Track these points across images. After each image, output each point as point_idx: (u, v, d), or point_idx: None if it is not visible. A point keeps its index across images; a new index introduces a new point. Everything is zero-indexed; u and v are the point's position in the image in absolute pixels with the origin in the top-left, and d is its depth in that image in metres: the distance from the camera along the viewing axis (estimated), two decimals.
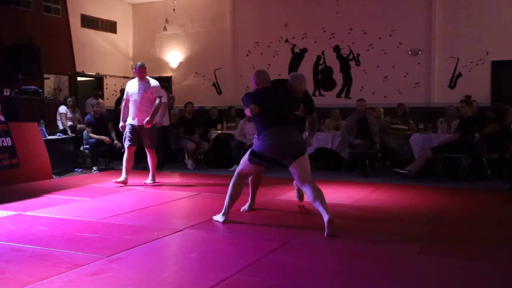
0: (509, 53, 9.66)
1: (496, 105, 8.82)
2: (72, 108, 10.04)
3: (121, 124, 7.38)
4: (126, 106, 7.32)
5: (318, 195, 4.36)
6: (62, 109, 9.88)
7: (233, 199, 4.84)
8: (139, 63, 7.40)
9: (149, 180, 7.40)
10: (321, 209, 4.30)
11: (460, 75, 10.08)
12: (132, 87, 7.26)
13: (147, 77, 7.31)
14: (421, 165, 8.02)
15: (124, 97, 7.37)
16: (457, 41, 10.04)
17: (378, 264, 3.58)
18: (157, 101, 7.23)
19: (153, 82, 7.32)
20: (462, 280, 3.25)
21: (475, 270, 3.46)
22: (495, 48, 9.75)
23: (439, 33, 10.18)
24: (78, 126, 9.88)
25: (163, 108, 9.46)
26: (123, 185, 7.12)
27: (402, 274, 3.38)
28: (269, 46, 11.66)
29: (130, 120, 7.26)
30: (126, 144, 7.27)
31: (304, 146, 4.73)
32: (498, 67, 9.80)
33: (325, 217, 4.24)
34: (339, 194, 6.52)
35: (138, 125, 7.20)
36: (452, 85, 10.16)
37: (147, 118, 7.09)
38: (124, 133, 7.33)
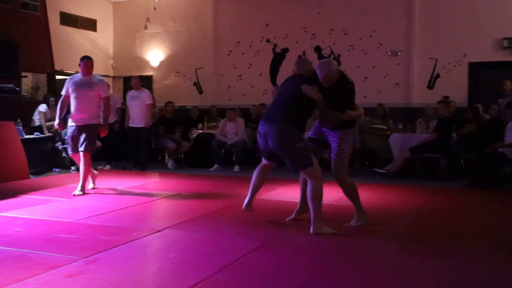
0: (485, 55, 9.82)
1: (473, 106, 8.97)
2: (53, 107, 9.88)
3: (57, 121, 6.57)
4: (65, 104, 6.52)
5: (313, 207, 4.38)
6: (42, 107, 9.73)
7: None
8: (85, 56, 6.66)
9: (77, 191, 6.33)
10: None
11: (438, 76, 10.21)
12: (76, 83, 6.44)
13: (94, 73, 6.64)
14: (400, 165, 8.09)
15: (63, 93, 6.53)
16: (436, 43, 10.17)
17: (357, 263, 3.61)
18: (107, 102, 6.65)
19: (101, 80, 6.73)
20: (439, 279, 3.29)
21: (452, 268, 3.51)
22: (472, 50, 9.90)
23: (418, 34, 10.29)
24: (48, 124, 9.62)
25: (149, 109, 9.45)
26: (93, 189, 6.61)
27: (380, 273, 3.41)
28: (250, 46, 11.66)
29: (72, 121, 6.45)
30: (72, 151, 6.52)
31: (278, 141, 4.37)
32: (475, 68, 9.96)
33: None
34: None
35: (79, 125, 6.40)
36: (430, 86, 10.29)
37: (102, 126, 6.53)
38: (66, 137, 6.63)
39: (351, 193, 4.67)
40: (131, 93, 9.56)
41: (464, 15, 9.94)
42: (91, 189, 6.65)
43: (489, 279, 3.30)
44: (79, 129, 6.39)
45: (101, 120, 6.77)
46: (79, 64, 6.54)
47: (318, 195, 4.31)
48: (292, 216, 4.86)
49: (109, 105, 6.77)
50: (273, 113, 4.49)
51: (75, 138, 6.43)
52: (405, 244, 4.13)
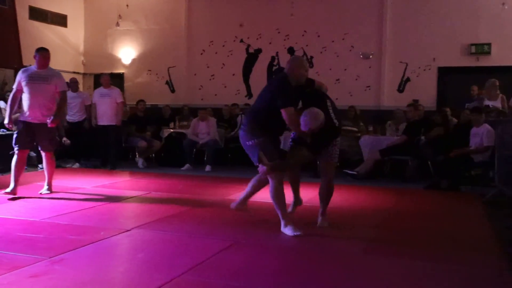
0: (454, 60, 10.03)
1: (441, 110, 9.15)
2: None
3: (6, 120, 6.01)
4: (17, 99, 6.02)
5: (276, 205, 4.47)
6: (2, 104, 9.50)
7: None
8: (42, 47, 6.25)
9: (44, 189, 6.16)
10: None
11: (408, 79, 10.38)
12: (30, 76, 5.99)
13: (50, 66, 6.23)
14: (369, 167, 8.20)
15: (15, 87, 6.05)
16: (406, 47, 10.34)
17: (325, 263, 3.64)
18: (64, 96, 6.21)
19: (58, 73, 6.36)
20: (405, 278, 3.35)
21: (419, 268, 3.57)
22: (442, 55, 10.10)
23: (389, 38, 10.45)
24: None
25: (121, 107, 9.36)
26: (12, 196, 5.80)
27: (347, 273, 3.45)
28: (223, 46, 11.63)
29: (25, 117, 5.96)
30: (17, 147, 5.94)
31: (243, 140, 4.51)
32: (444, 73, 10.16)
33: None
34: (289, 194, 6.57)
35: (35, 123, 5.93)
36: (400, 89, 10.45)
37: (52, 117, 5.92)
38: (15, 132, 6.09)
39: (329, 196, 4.72)
40: (100, 91, 9.43)
41: (434, 20, 10.13)
42: (7, 193, 5.90)
43: (450, 277, 3.37)
44: (34, 127, 5.93)
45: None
46: (35, 56, 6.13)
47: (275, 195, 4.39)
48: (289, 209, 4.89)
49: (65, 99, 6.40)
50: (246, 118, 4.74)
51: (25, 135, 5.93)
52: (373, 244, 4.19)
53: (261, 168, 4.38)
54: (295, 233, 4.30)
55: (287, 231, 4.35)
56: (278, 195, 4.40)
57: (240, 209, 4.87)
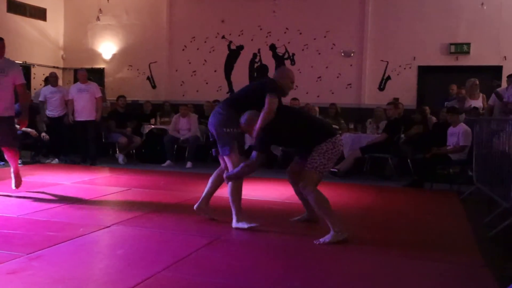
0: (434, 59, 10.17)
1: (421, 108, 9.27)
2: None
3: None
4: None
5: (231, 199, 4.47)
6: None
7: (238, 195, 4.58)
8: None
9: (14, 183, 5.90)
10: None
11: (389, 78, 10.49)
12: None
13: (6, 57, 5.91)
14: (350, 164, 8.27)
15: None
16: (387, 46, 10.44)
17: (303, 259, 3.67)
18: (23, 90, 5.93)
19: (15, 64, 6.02)
20: (383, 275, 3.39)
21: (397, 265, 3.62)
22: (422, 54, 10.23)
23: (371, 37, 10.53)
24: None
25: (100, 102, 9.27)
26: None
27: (327, 270, 3.48)
28: (205, 42, 11.60)
29: None
30: None
31: (214, 119, 4.50)
32: (424, 71, 10.29)
33: None
34: (271, 191, 6.61)
35: None
36: (381, 87, 10.55)
37: (21, 117, 5.79)
38: None
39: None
40: (78, 86, 9.30)
41: (415, 20, 10.24)
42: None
43: (427, 273, 3.43)
44: None
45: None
46: None
47: (235, 191, 4.41)
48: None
49: (25, 93, 6.14)
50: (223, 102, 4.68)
51: None
52: (352, 241, 4.22)
53: (228, 160, 4.40)
54: (251, 225, 4.35)
55: (241, 225, 4.38)
56: (238, 191, 4.42)
57: (202, 209, 4.77)
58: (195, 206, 4.80)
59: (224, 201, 5.78)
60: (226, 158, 4.44)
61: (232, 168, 4.38)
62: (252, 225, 4.36)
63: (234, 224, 4.44)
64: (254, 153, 4.31)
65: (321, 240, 4.06)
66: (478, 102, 8.38)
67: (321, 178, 4.27)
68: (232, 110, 4.46)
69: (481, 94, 8.52)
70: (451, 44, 10.00)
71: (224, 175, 4.48)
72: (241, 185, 4.46)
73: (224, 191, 6.00)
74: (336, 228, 4.11)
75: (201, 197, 4.82)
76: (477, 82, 8.44)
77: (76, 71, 12.11)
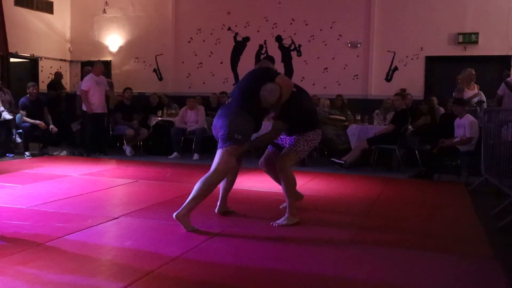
0: (441, 49, 10.08)
1: (428, 99, 9.21)
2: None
3: None
4: None
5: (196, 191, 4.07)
6: None
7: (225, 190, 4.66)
8: None
9: None
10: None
11: (396, 68, 10.42)
12: None
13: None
14: (357, 156, 8.24)
15: None
16: (394, 36, 10.37)
17: (312, 252, 3.67)
18: None
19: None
20: (392, 267, 3.39)
21: (405, 257, 3.62)
22: (429, 44, 10.15)
23: (377, 27, 10.46)
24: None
25: (107, 95, 9.46)
26: None
27: (335, 261, 3.48)
28: (211, 34, 11.57)
29: None
30: None
31: (225, 131, 4.11)
32: (431, 62, 10.21)
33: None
34: (275, 183, 6.60)
35: None
36: (388, 78, 10.49)
37: None
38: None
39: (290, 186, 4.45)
40: (95, 78, 9.31)
41: (422, 10, 10.16)
42: None
43: (435, 265, 3.42)
44: None
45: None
46: None
47: (207, 185, 4.09)
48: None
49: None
50: (233, 102, 4.35)
51: None
52: (360, 232, 4.22)
53: (224, 153, 4.11)
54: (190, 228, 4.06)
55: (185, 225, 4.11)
56: (209, 190, 4.16)
57: (224, 210, 4.72)
58: (216, 210, 4.67)
59: (230, 192, 5.80)
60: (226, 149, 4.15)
61: (218, 160, 4.12)
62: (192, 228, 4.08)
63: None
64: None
65: (278, 222, 4.32)
66: (472, 93, 8.26)
67: (296, 162, 4.57)
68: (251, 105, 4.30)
69: (476, 85, 8.42)
70: (459, 34, 9.91)
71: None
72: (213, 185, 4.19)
73: None
74: (294, 211, 4.39)
75: (219, 199, 4.68)
76: (474, 72, 8.34)
77: (83, 64, 12.17)
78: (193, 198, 4.07)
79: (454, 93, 8.73)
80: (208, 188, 4.09)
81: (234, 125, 4.10)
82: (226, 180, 4.55)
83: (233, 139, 4.08)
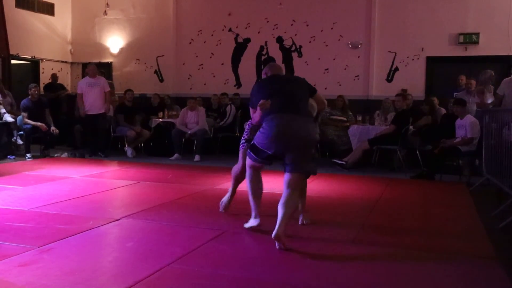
0: (442, 49, 10.08)
1: (428, 99, 9.20)
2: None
3: None
4: None
5: (289, 206, 3.76)
6: None
7: (256, 196, 4.13)
8: None
9: None
10: (279, 218, 3.71)
11: (397, 69, 10.42)
12: None
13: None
14: (358, 156, 8.24)
15: None
16: (395, 37, 10.37)
17: (314, 252, 3.66)
18: None
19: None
20: (394, 267, 3.39)
21: (406, 257, 3.61)
22: (430, 45, 10.15)
23: (378, 28, 10.46)
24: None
25: (109, 96, 9.43)
26: None
27: (336, 262, 3.48)
28: (212, 35, 11.58)
29: None
30: None
31: (311, 141, 3.93)
32: (432, 62, 10.21)
33: (275, 231, 3.64)
34: (279, 183, 6.59)
35: None
36: (389, 78, 10.49)
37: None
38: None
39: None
40: (87, 81, 9.43)
41: (422, 10, 10.16)
42: None
43: (437, 265, 3.42)
44: None
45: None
46: None
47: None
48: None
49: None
50: (298, 108, 3.95)
51: None
52: (361, 233, 4.22)
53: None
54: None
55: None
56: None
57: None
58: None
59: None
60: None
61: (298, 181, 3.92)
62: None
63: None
64: None
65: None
66: (491, 98, 8.13)
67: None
68: None
69: (492, 87, 8.38)
70: (460, 34, 9.91)
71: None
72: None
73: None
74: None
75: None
76: (494, 74, 8.29)
77: (84, 65, 12.18)
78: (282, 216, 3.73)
79: (455, 94, 8.71)
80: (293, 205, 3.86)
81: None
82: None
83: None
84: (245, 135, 4.55)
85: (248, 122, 4.56)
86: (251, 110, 4.12)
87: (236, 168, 4.67)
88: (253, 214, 4.16)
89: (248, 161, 4.07)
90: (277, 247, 3.65)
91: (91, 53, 12.43)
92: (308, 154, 3.96)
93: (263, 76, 4.38)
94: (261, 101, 3.86)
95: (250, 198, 4.15)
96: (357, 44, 10.63)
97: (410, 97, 9.20)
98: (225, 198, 4.86)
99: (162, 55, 11.97)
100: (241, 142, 4.57)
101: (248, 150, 4.05)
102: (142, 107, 10.70)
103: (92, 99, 9.29)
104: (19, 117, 9.19)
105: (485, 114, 7.03)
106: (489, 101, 7.90)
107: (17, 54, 11.30)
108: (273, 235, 3.62)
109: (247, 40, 11.38)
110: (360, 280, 3.12)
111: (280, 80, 4.20)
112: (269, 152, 3.84)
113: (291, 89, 4.03)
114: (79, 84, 9.57)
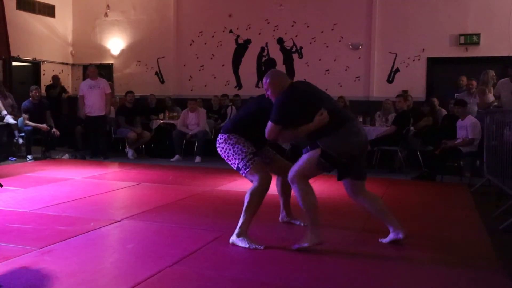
0: (443, 50, 10.07)
1: (429, 100, 9.20)
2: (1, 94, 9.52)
3: None
4: None
5: (381, 209, 3.91)
6: None
7: (314, 208, 3.72)
8: None
9: None
10: (389, 226, 3.90)
11: (397, 70, 10.42)
12: None
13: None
14: None
15: None
16: (396, 38, 10.36)
17: (315, 253, 3.66)
18: None
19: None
20: (395, 269, 3.38)
21: (408, 258, 3.61)
22: (431, 45, 10.14)
23: (379, 29, 10.46)
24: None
25: (109, 98, 9.46)
26: None
27: (338, 263, 3.47)
28: (213, 36, 11.59)
29: None
30: None
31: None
32: (433, 63, 10.20)
33: (399, 234, 3.85)
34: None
35: None
36: (390, 79, 10.49)
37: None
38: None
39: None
40: (88, 82, 9.46)
41: (423, 11, 10.15)
42: None
43: (439, 266, 3.42)
44: None
45: None
46: None
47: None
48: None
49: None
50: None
51: None
52: (362, 234, 4.22)
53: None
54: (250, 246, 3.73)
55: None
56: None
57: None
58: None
59: (233, 194, 5.80)
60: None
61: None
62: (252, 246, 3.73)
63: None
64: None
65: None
66: (492, 98, 8.12)
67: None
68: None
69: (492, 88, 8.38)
70: (461, 35, 9.90)
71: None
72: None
73: (234, 185, 6.00)
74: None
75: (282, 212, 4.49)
76: (494, 74, 8.30)
77: (85, 67, 12.19)
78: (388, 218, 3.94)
79: (456, 95, 8.70)
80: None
81: None
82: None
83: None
84: (238, 156, 3.91)
85: (223, 145, 4.05)
86: (273, 126, 3.69)
87: (258, 189, 3.83)
88: (315, 229, 3.70)
89: (310, 170, 3.71)
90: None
91: (91, 55, 12.43)
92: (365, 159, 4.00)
93: (267, 85, 3.81)
94: (320, 112, 3.58)
95: (311, 212, 3.70)
96: (358, 45, 10.62)
97: (411, 98, 9.20)
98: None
99: (163, 57, 11.97)
100: (242, 164, 3.89)
101: (318, 157, 3.61)
102: (143, 108, 10.70)
103: (93, 101, 9.31)
104: (20, 119, 9.20)
105: (486, 115, 7.02)
106: (491, 100, 7.90)
107: (18, 56, 11.30)
108: (402, 236, 3.82)
109: (248, 42, 11.38)
110: (360, 281, 3.12)
111: (311, 87, 3.90)
112: (343, 160, 3.65)
113: (328, 96, 3.87)
114: (80, 86, 9.66)
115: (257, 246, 3.70)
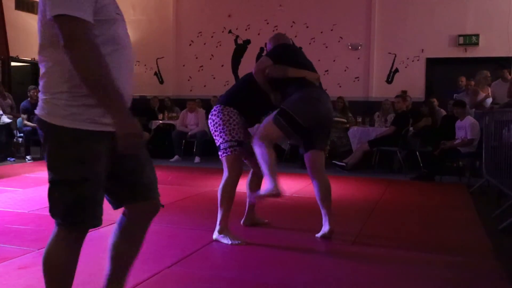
0: (442, 51, 10.08)
1: (428, 101, 9.21)
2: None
3: None
4: None
5: (327, 196, 3.97)
6: None
7: (272, 165, 3.67)
8: None
9: None
10: (324, 215, 3.97)
11: (397, 70, 10.43)
12: None
13: None
14: (358, 158, 8.25)
15: None
16: (395, 38, 10.37)
17: (313, 254, 3.66)
18: None
19: None
20: (393, 270, 3.38)
21: (407, 259, 3.61)
22: (430, 46, 10.15)
23: (378, 29, 10.47)
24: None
25: None
26: None
27: (336, 264, 3.47)
28: (212, 37, 11.59)
29: None
30: None
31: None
32: (432, 64, 10.21)
33: (325, 227, 3.96)
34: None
35: None
36: (389, 80, 10.50)
37: None
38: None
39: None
40: None
41: (422, 11, 10.17)
42: None
43: (438, 267, 3.42)
44: None
45: None
46: None
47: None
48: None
49: None
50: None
51: None
52: (361, 235, 4.22)
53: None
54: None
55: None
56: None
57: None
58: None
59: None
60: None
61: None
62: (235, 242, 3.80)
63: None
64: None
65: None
66: (483, 95, 8.18)
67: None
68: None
69: (488, 88, 8.40)
70: (460, 35, 9.92)
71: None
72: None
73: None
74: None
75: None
76: (489, 75, 8.32)
77: None
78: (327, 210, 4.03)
79: (455, 95, 8.71)
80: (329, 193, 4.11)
81: None
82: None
83: None
84: (224, 136, 3.87)
85: (215, 117, 3.93)
86: (264, 57, 3.94)
87: (228, 182, 4.05)
88: (273, 180, 3.67)
89: (269, 130, 3.72)
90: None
91: None
92: (328, 133, 4.13)
93: (269, 46, 4.21)
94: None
95: (267, 167, 3.67)
96: (357, 45, 10.63)
97: (409, 98, 9.20)
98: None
99: (162, 57, 11.97)
100: (224, 146, 3.93)
101: (277, 116, 3.69)
102: (142, 109, 10.69)
103: None
104: (19, 119, 9.19)
105: (485, 115, 7.03)
106: (489, 101, 7.91)
107: (17, 56, 11.30)
108: (327, 231, 3.89)
109: (247, 42, 11.39)
110: (360, 282, 3.12)
111: (301, 53, 4.32)
112: (302, 124, 3.66)
113: (311, 64, 4.11)
114: None
115: (239, 242, 3.77)
